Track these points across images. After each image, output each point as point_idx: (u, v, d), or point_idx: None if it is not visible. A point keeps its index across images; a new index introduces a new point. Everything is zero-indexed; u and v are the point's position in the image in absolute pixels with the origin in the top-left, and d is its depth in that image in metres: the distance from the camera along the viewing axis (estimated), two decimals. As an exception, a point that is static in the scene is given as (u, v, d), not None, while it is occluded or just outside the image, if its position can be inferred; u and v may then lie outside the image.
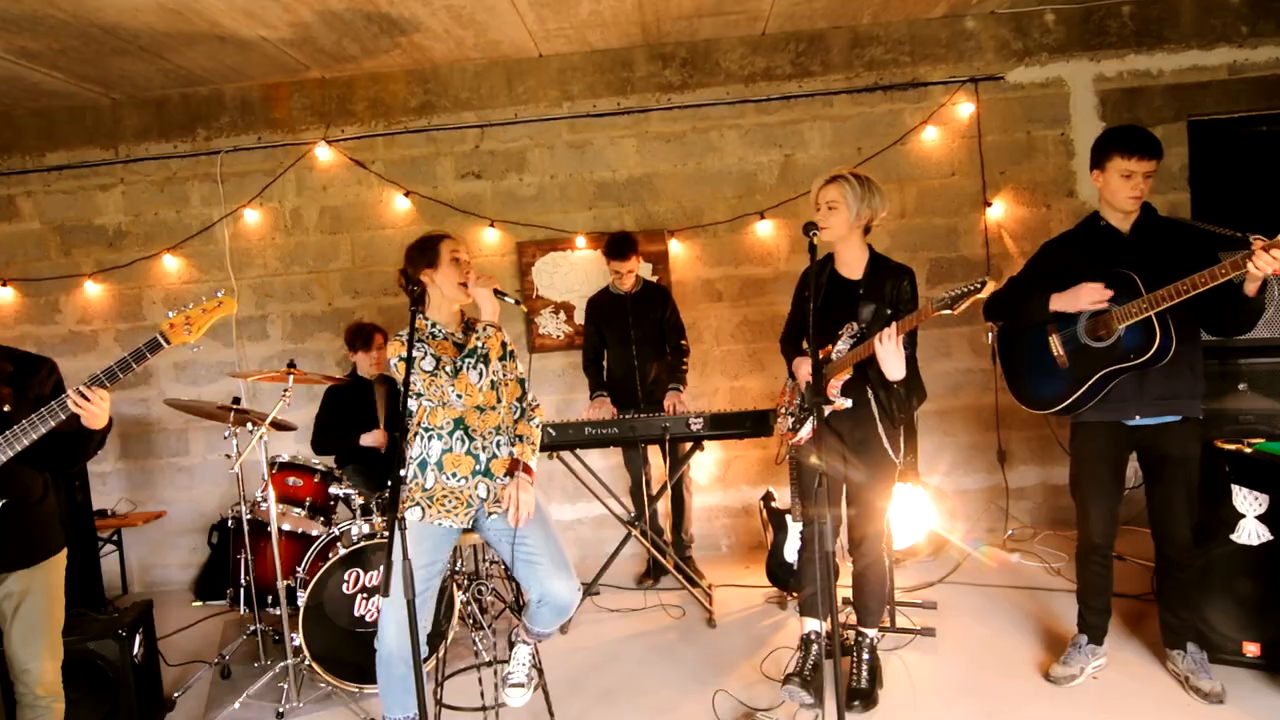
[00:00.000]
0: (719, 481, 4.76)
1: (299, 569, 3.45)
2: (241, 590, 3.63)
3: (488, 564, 3.86)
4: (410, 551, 2.26)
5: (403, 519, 1.91)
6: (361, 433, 3.92)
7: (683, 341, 4.12)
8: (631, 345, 4.08)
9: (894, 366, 2.49)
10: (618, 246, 4.00)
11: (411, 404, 2.57)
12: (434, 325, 2.55)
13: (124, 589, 4.88)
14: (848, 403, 2.68)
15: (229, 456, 3.43)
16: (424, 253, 2.50)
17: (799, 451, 2.88)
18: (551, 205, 4.70)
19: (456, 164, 4.72)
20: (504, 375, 2.61)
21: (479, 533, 2.59)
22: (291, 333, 4.83)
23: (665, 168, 4.66)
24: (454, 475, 2.48)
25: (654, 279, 4.52)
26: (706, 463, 4.72)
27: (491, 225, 4.69)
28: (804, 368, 2.82)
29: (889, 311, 2.64)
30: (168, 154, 4.78)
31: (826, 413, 2.71)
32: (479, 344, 2.41)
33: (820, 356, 2.75)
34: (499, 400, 2.56)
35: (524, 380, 2.70)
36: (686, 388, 4.04)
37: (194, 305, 2.48)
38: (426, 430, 2.50)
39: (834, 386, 2.68)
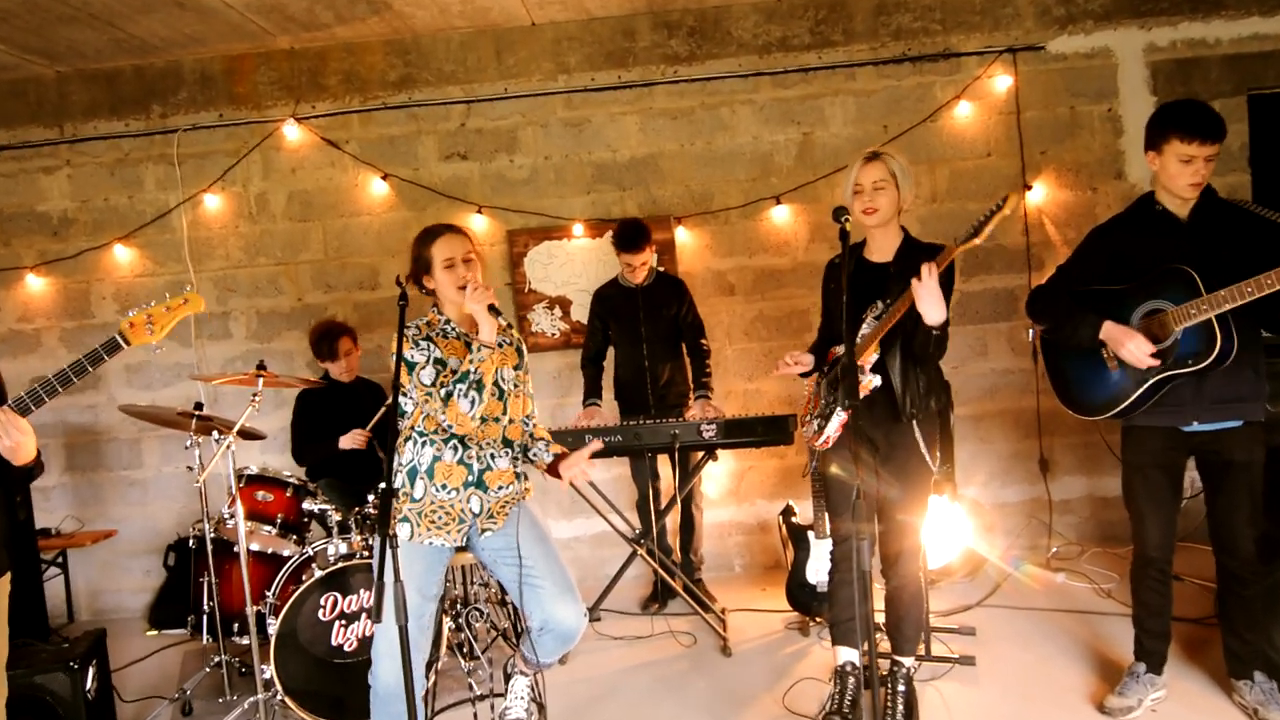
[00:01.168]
0: (732, 495, 4.77)
1: (268, 593, 3.44)
2: (204, 617, 3.62)
3: (475, 587, 3.86)
4: (402, 575, 2.27)
5: (394, 536, 1.90)
6: (338, 436, 3.93)
7: (703, 341, 4.10)
8: (642, 344, 4.07)
9: (933, 307, 2.51)
10: (629, 237, 3.97)
11: (404, 403, 2.57)
12: (447, 322, 2.55)
13: (70, 617, 4.87)
14: (877, 380, 2.69)
15: (191, 468, 3.42)
16: (419, 258, 2.51)
17: (824, 461, 2.89)
18: (545, 189, 4.70)
19: (440, 144, 4.72)
20: (516, 386, 2.62)
21: (472, 552, 2.58)
22: (257, 331, 4.83)
23: (671, 147, 4.66)
24: (444, 487, 2.48)
25: (661, 269, 4.53)
26: (718, 474, 4.72)
27: (479, 211, 4.69)
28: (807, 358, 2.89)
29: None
30: (119, 133, 4.76)
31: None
32: (471, 366, 2.39)
33: (829, 359, 2.77)
34: (505, 412, 2.56)
35: (533, 397, 2.71)
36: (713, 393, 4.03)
37: (157, 302, 2.48)
38: (420, 435, 2.50)
39: (862, 368, 2.70)
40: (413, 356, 2.45)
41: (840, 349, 2.87)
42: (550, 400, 4.76)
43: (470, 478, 2.50)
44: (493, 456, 2.55)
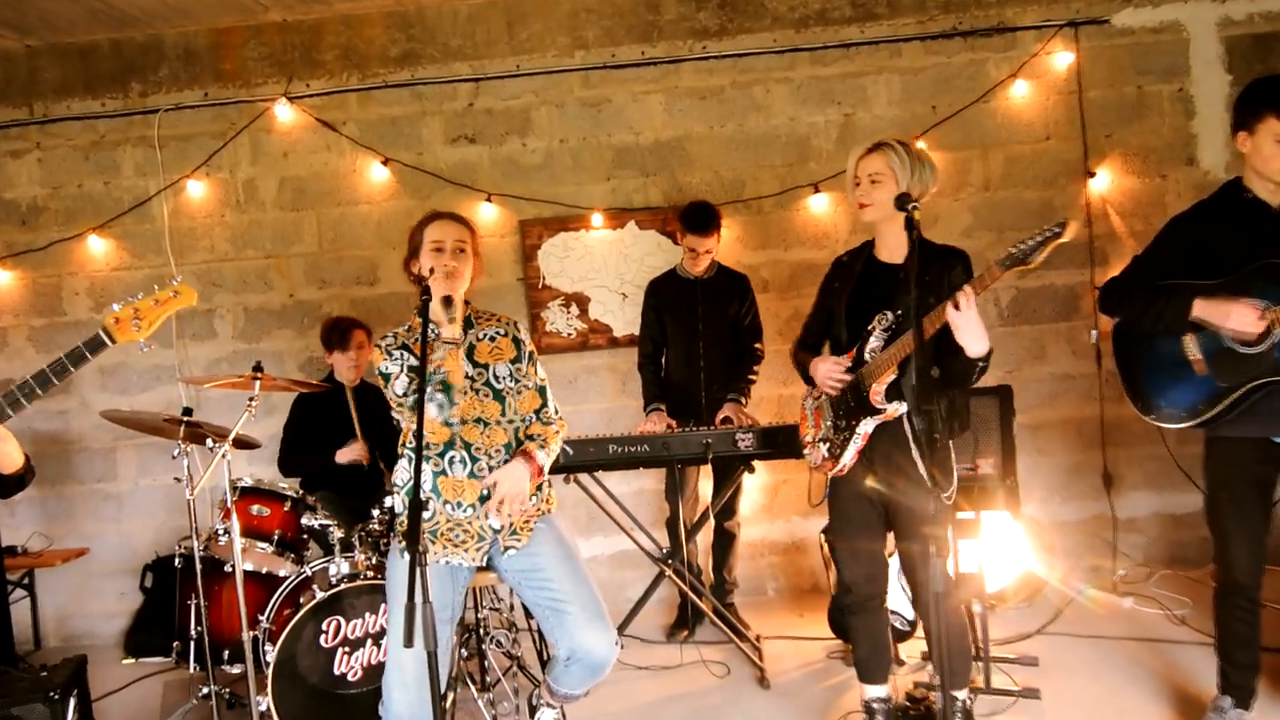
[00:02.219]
0: (765, 511, 4.76)
1: (262, 617, 3.44)
2: (191, 643, 3.61)
3: (485, 611, 3.84)
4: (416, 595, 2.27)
5: (424, 552, 1.90)
6: (337, 449, 3.93)
7: (757, 346, 4.13)
8: (699, 342, 4.07)
9: (976, 338, 2.44)
10: (698, 218, 3.97)
11: (397, 417, 2.57)
12: (428, 325, 2.54)
13: (36, 644, 4.86)
14: (902, 407, 2.67)
15: (179, 480, 3.41)
16: (412, 240, 2.53)
17: (838, 485, 2.86)
18: (562, 175, 4.71)
19: (446, 126, 4.72)
20: (516, 382, 2.60)
21: (495, 572, 2.58)
22: (245, 330, 4.83)
23: (699, 130, 4.67)
24: (459, 505, 2.47)
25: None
26: (749, 488, 4.70)
27: (489, 200, 4.69)
28: (822, 368, 2.78)
29: (932, 300, 2.63)
30: (94, 113, 4.77)
31: (872, 428, 2.71)
32: (437, 367, 2.38)
33: (849, 359, 2.74)
34: (504, 413, 2.55)
35: (546, 389, 2.70)
36: (749, 401, 4.03)
37: (144, 295, 2.49)
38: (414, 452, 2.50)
39: (877, 392, 2.67)
40: (385, 368, 2.47)
41: (835, 355, 2.82)
42: (565, 407, 4.73)
43: (485, 491, 2.49)
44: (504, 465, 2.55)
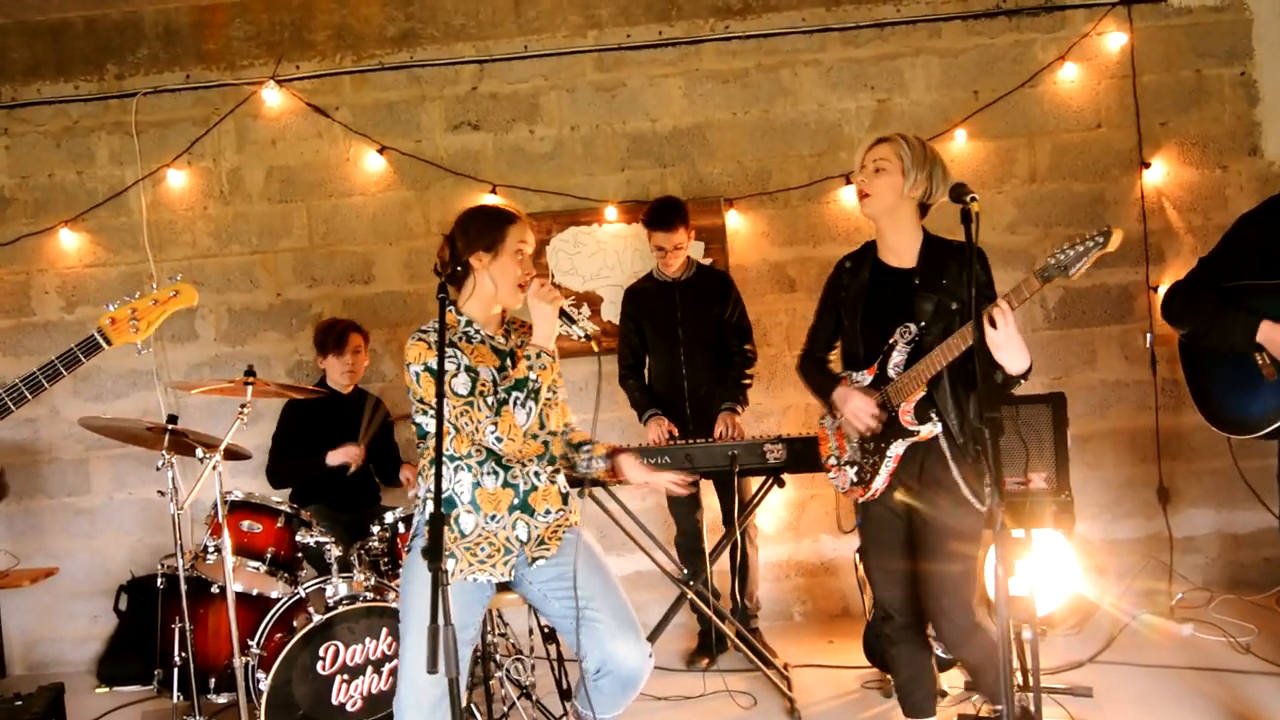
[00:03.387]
0: (790, 530, 4.79)
1: (252, 642, 3.47)
2: (175, 670, 3.64)
3: (493, 637, 3.86)
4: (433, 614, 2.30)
5: (446, 571, 1.93)
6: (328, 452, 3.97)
7: (747, 347, 4.16)
8: (679, 349, 4.12)
9: (1016, 355, 2.45)
10: (661, 214, 4.04)
11: (422, 421, 2.60)
12: (469, 323, 2.58)
13: (0, 671, 4.88)
14: (936, 429, 2.69)
15: (162, 493, 3.45)
16: (487, 230, 2.54)
17: (869, 505, 2.88)
18: (572, 165, 4.74)
19: (447, 111, 4.76)
20: (554, 394, 2.69)
21: (518, 589, 2.62)
22: (228, 332, 4.86)
23: (721, 116, 4.69)
24: (493, 517, 2.51)
25: (707, 261, 4.56)
26: (773, 505, 4.74)
27: (493, 191, 4.72)
28: (852, 404, 2.74)
29: (954, 306, 2.66)
30: (66, 96, 4.80)
31: (904, 450, 2.73)
32: (531, 373, 2.44)
33: (869, 378, 2.77)
34: (542, 426, 2.61)
35: (566, 401, 2.76)
36: (746, 408, 4.06)
37: (141, 295, 2.55)
38: (452, 460, 2.53)
39: (907, 411, 2.70)
40: (435, 363, 2.48)
41: (852, 370, 2.85)
42: (576, 415, 4.76)
43: (516, 500, 2.54)
44: (536, 475, 2.60)
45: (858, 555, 3.99)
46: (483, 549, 2.52)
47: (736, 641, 3.93)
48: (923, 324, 2.67)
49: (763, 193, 4.70)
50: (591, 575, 2.53)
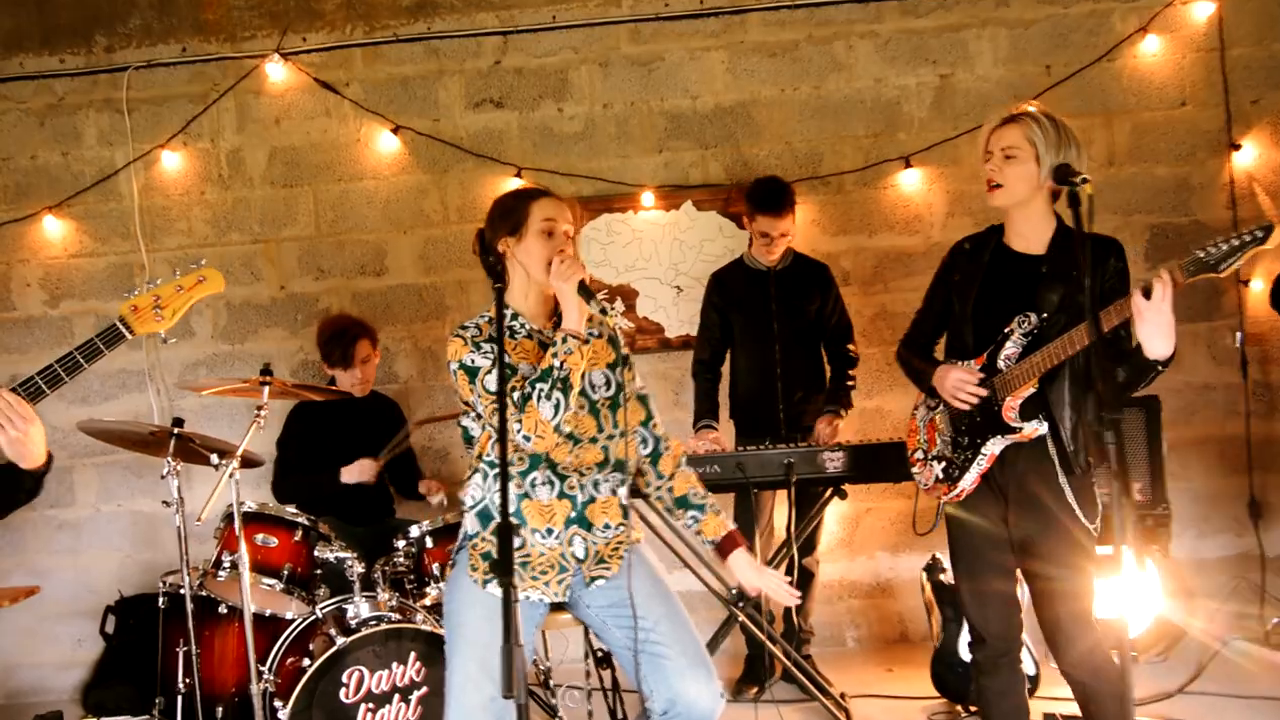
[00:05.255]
0: (844, 546, 4.79)
1: (264, 667, 3.46)
2: (179, 699, 3.64)
3: (548, 663, 3.86)
4: (485, 638, 2.29)
5: (515, 587, 1.92)
6: (341, 467, 3.97)
7: (850, 347, 4.17)
8: (774, 344, 4.11)
9: (1163, 335, 2.41)
10: (772, 196, 4.00)
11: (469, 425, 2.60)
12: (514, 316, 2.58)
13: (-24, 699, 4.90)
14: (1042, 428, 2.68)
15: (167, 504, 3.45)
16: (510, 211, 2.54)
17: (961, 515, 2.86)
18: (605, 147, 4.75)
19: (468, 87, 4.77)
20: (620, 391, 2.63)
21: (574, 611, 2.61)
22: (227, 328, 4.87)
23: (768, 93, 4.70)
24: (549, 532, 2.50)
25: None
26: (825, 519, 4.72)
27: (518, 175, 4.73)
28: (952, 377, 2.76)
29: (1081, 300, 2.64)
30: (51, 71, 4.82)
31: (1000, 449, 2.73)
32: (555, 360, 2.41)
33: (976, 366, 2.76)
34: (601, 429, 2.58)
35: (648, 398, 2.72)
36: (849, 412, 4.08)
37: (165, 281, 2.57)
38: (493, 467, 2.52)
39: (1011, 407, 2.70)
40: (474, 361, 2.48)
41: (957, 360, 2.83)
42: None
43: (573, 513, 2.52)
44: (595, 485, 2.57)
45: (925, 573, 3.99)
46: (536, 565, 2.51)
47: (791, 668, 3.92)
48: (1045, 315, 2.65)
49: (814, 177, 4.70)
50: (656, 604, 2.50)
